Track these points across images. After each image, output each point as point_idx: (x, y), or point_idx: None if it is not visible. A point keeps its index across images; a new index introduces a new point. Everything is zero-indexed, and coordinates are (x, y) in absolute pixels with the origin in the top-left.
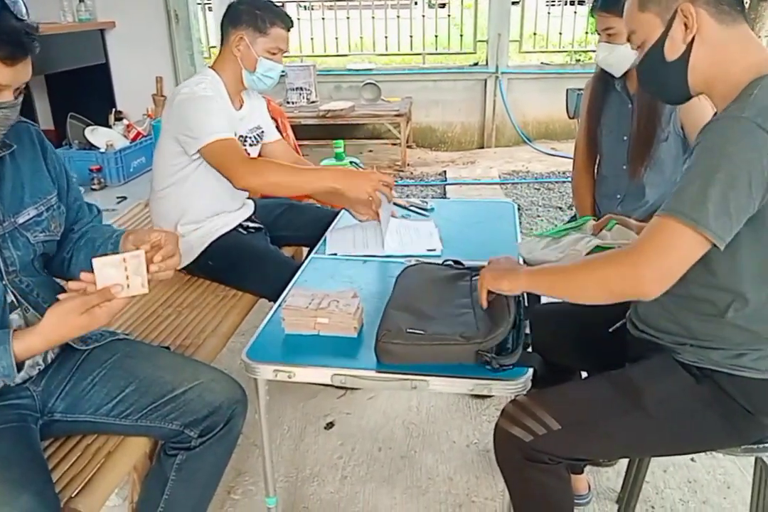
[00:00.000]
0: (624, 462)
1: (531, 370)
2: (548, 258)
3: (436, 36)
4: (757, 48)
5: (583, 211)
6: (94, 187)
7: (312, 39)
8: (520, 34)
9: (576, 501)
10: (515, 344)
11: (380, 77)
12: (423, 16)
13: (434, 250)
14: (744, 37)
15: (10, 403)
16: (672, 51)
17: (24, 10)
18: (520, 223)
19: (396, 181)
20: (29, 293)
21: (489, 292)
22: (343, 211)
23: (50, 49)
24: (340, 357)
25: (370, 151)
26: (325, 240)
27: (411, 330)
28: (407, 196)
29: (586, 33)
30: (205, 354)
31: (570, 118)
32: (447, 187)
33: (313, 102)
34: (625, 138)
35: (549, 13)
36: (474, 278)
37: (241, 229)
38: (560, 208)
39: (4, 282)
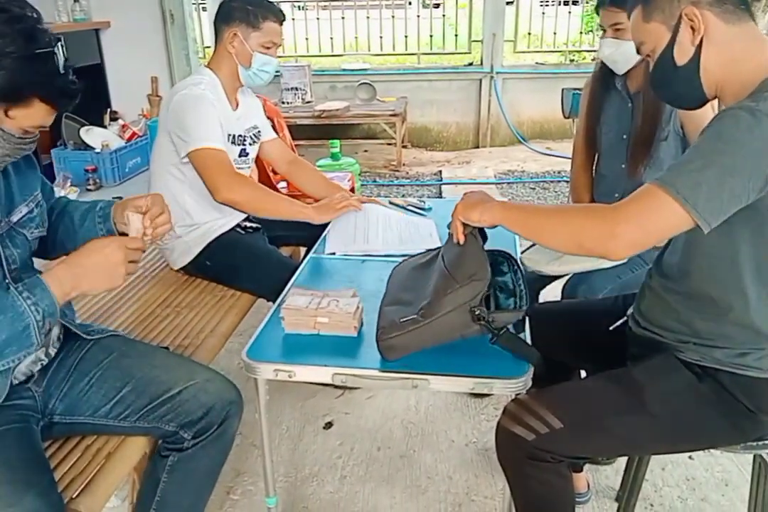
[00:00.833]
0: (622, 461)
1: (532, 369)
2: (554, 271)
3: (431, 36)
4: (765, 45)
5: None
6: (89, 187)
7: (307, 39)
8: (514, 34)
9: (576, 499)
10: (517, 307)
11: (375, 77)
12: (418, 16)
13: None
14: (751, 34)
15: (13, 404)
16: (682, 55)
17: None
18: None
19: (391, 181)
20: None
21: (464, 226)
22: None
23: None
24: (340, 356)
25: (366, 151)
26: (324, 239)
27: (403, 320)
28: (403, 196)
29: (581, 33)
30: (204, 355)
31: (565, 117)
32: (443, 187)
33: (308, 102)
34: (625, 136)
35: (543, 13)
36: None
37: (239, 229)
38: None
39: (7, 281)
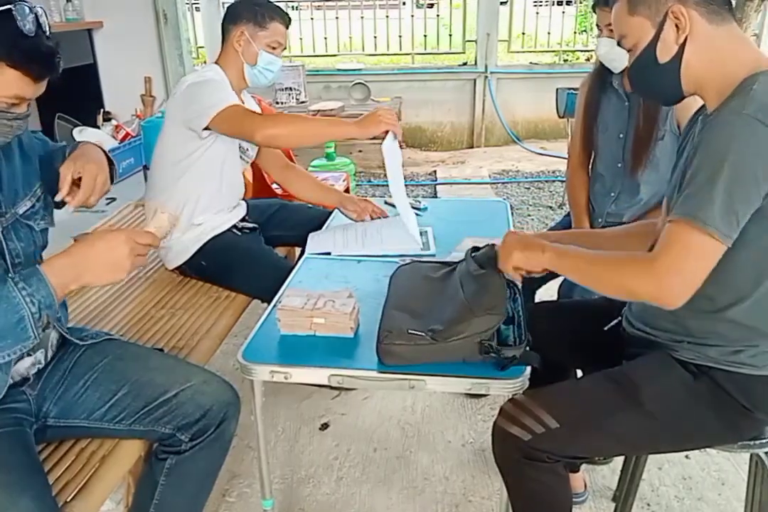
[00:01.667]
0: (619, 460)
1: (528, 369)
2: None
3: (425, 36)
4: (748, 46)
5: (577, 209)
6: None
7: (301, 39)
8: (508, 34)
9: (573, 499)
10: (518, 340)
11: (369, 77)
12: (412, 16)
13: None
14: (734, 35)
15: (7, 407)
16: (664, 53)
17: (49, 30)
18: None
19: (386, 181)
20: None
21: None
22: (335, 210)
23: None
24: (336, 357)
25: (360, 151)
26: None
27: (412, 332)
28: None
29: (574, 33)
30: (199, 356)
31: (560, 117)
32: (437, 187)
33: (302, 102)
34: (621, 135)
35: (537, 13)
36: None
37: (235, 230)
38: (551, 207)
39: (11, 276)
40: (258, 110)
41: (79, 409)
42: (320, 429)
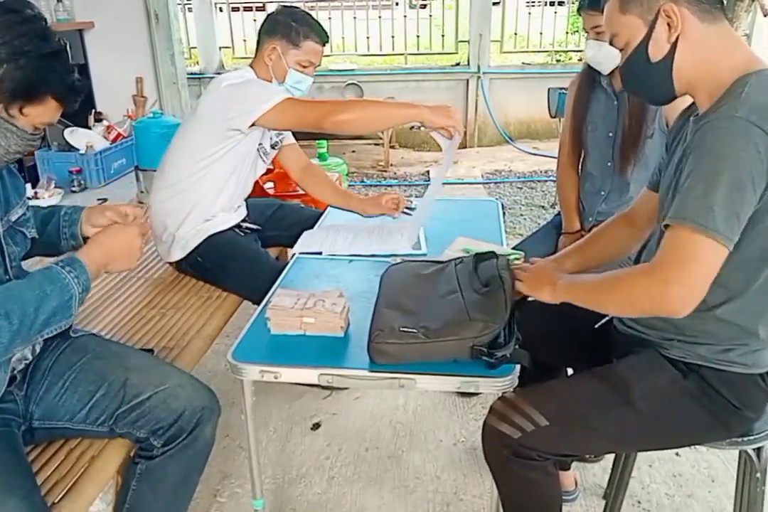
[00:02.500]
0: (610, 458)
1: (518, 367)
2: None
3: (417, 36)
4: (739, 45)
5: (567, 208)
6: (74, 189)
7: None
8: (501, 35)
9: (563, 497)
10: (507, 338)
11: (362, 77)
12: (404, 16)
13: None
14: (726, 34)
15: None
16: (656, 52)
17: None
18: (504, 221)
19: (379, 181)
20: None
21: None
22: (328, 210)
23: None
24: (326, 356)
25: (353, 151)
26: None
27: (404, 329)
28: None
29: (567, 33)
30: (190, 357)
31: (552, 117)
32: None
33: None
34: (611, 134)
35: (529, 13)
36: (458, 265)
37: (238, 230)
38: (543, 206)
39: (8, 277)
40: None
41: (61, 411)
42: (312, 428)
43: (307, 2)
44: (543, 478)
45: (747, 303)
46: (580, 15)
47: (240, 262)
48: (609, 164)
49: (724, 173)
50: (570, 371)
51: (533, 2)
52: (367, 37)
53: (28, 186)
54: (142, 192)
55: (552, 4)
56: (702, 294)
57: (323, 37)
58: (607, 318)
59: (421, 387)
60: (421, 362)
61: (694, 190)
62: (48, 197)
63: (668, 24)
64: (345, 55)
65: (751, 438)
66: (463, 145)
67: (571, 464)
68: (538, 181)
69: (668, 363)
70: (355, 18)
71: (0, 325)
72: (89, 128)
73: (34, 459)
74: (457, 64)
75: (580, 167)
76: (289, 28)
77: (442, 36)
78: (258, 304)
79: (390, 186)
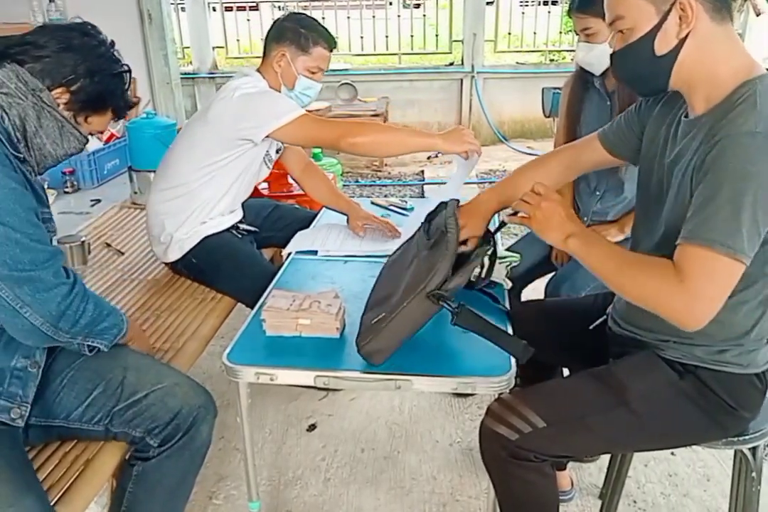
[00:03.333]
0: (606, 458)
1: (514, 368)
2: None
3: (411, 36)
4: (741, 49)
5: None
6: (67, 190)
7: None
8: (495, 34)
9: (560, 497)
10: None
11: (356, 77)
12: (398, 16)
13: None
14: (731, 36)
15: None
16: (663, 45)
17: None
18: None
19: (374, 181)
20: None
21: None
22: (322, 211)
23: None
24: (322, 358)
25: None
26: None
27: (375, 321)
28: (385, 196)
29: (560, 33)
30: (185, 358)
31: (546, 116)
32: (425, 187)
33: None
34: None
35: (523, 13)
36: (418, 231)
37: (235, 232)
38: None
39: None
40: None
41: (58, 409)
42: (307, 430)
43: (300, 2)
44: (540, 479)
45: (743, 305)
46: (570, 17)
47: (233, 264)
48: None
49: (750, 193)
50: (566, 371)
51: (527, 2)
52: (361, 37)
53: None
54: (135, 193)
55: (546, 3)
56: (717, 311)
57: (331, 43)
58: (602, 319)
59: (417, 388)
60: (416, 360)
61: (720, 211)
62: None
63: (680, 17)
64: (339, 55)
65: (747, 437)
66: None
67: (567, 464)
68: None
69: (665, 364)
70: (348, 17)
71: (86, 308)
72: None
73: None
74: (451, 64)
75: None
76: (298, 34)
77: (436, 35)
78: (250, 307)
79: (384, 186)
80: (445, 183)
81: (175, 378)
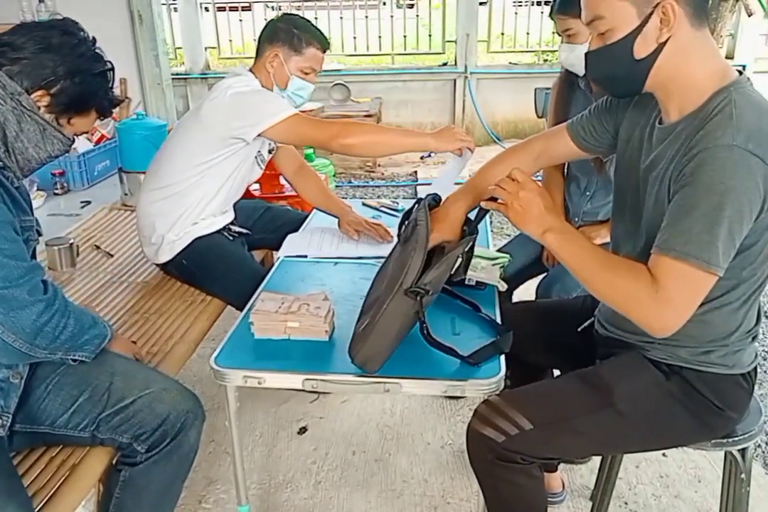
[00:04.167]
0: (597, 460)
1: (504, 370)
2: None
3: (404, 36)
4: (716, 54)
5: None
6: (56, 191)
7: None
8: (488, 34)
9: (550, 499)
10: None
11: (349, 78)
12: (391, 16)
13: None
14: (708, 42)
15: None
16: (642, 49)
17: None
18: (491, 222)
19: (366, 182)
20: None
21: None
22: (314, 212)
23: None
24: (311, 361)
25: None
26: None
27: (362, 328)
28: (378, 197)
29: (553, 33)
30: (173, 362)
31: (539, 117)
32: (418, 188)
33: None
34: None
35: (516, 13)
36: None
37: (226, 234)
38: None
39: None
40: None
41: (42, 415)
42: (298, 433)
43: (293, 2)
44: (528, 481)
45: (728, 307)
46: (552, 19)
47: (223, 267)
48: (592, 164)
49: (726, 208)
50: (557, 373)
51: (520, 2)
52: (354, 37)
53: None
54: (126, 194)
55: (539, 3)
56: (686, 320)
57: (324, 44)
58: (590, 321)
59: (406, 391)
60: (406, 363)
61: (696, 224)
62: (31, 200)
63: (661, 21)
64: (332, 55)
65: (736, 439)
66: None
67: (558, 466)
68: None
69: (651, 365)
70: (341, 18)
71: (66, 323)
72: None
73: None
74: (445, 64)
75: (565, 169)
76: (291, 35)
77: (429, 36)
78: (239, 309)
79: (377, 186)
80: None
81: (163, 384)
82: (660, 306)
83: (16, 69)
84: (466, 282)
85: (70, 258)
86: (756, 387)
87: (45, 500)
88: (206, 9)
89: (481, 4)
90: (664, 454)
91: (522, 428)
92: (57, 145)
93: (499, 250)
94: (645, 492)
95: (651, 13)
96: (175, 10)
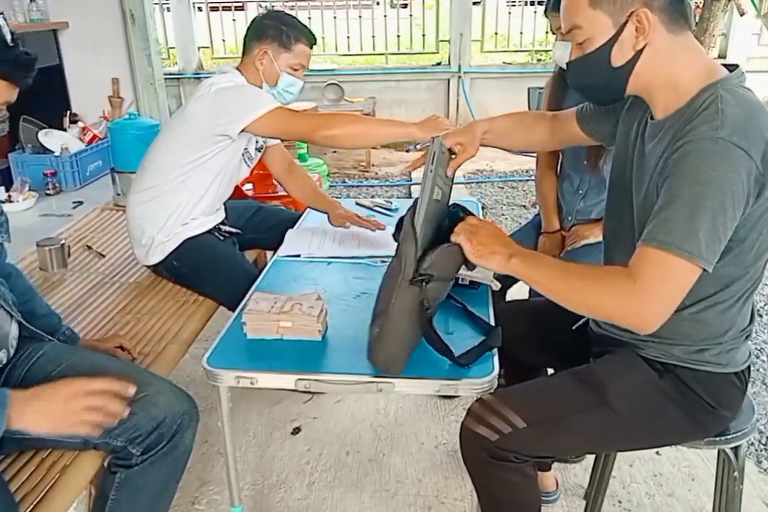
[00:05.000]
0: (591, 458)
1: (497, 369)
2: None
3: (398, 36)
4: (700, 55)
5: (547, 208)
6: (48, 191)
7: None
8: (481, 34)
9: (544, 498)
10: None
11: (343, 77)
12: (385, 16)
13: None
14: (689, 44)
15: None
16: (619, 57)
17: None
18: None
19: (360, 182)
20: None
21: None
22: (307, 211)
23: None
24: (304, 361)
25: (334, 151)
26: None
27: (376, 331)
28: (372, 197)
29: (547, 32)
30: (165, 362)
31: None
32: (412, 187)
33: None
34: None
35: (510, 13)
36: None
37: (217, 234)
38: (524, 206)
39: None
40: None
41: None
42: (292, 433)
43: (287, 2)
44: (521, 480)
45: (722, 305)
46: (547, 17)
47: (214, 267)
48: (585, 163)
49: (709, 198)
50: (551, 371)
51: (514, 2)
52: (348, 37)
53: (1, 189)
54: (118, 194)
55: (532, 3)
56: (671, 312)
57: (311, 40)
58: (584, 319)
59: (399, 390)
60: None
61: (676, 214)
62: (22, 200)
63: (636, 29)
64: (325, 55)
65: (729, 437)
66: None
67: (552, 465)
68: (519, 181)
69: (644, 363)
70: (335, 17)
71: None
72: (64, 130)
73: (4, 469)
74: (438, 64)
75: (559, 168)
76: (280, 31)
77: (423, 35)
78: (232, 310)
79: (371, 186)
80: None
81: (157, 386)
82: (639, 298)
83: None
84: (460, 281)
85: (62, 259)
86: (749, 385)
87: (35, 502)
88: (199, 9)
89: (474, 3)
90: (657, 453)
91: (515, 426)
92: None
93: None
94: (639, 490)
95: (626, 22)
96: (168, 9)
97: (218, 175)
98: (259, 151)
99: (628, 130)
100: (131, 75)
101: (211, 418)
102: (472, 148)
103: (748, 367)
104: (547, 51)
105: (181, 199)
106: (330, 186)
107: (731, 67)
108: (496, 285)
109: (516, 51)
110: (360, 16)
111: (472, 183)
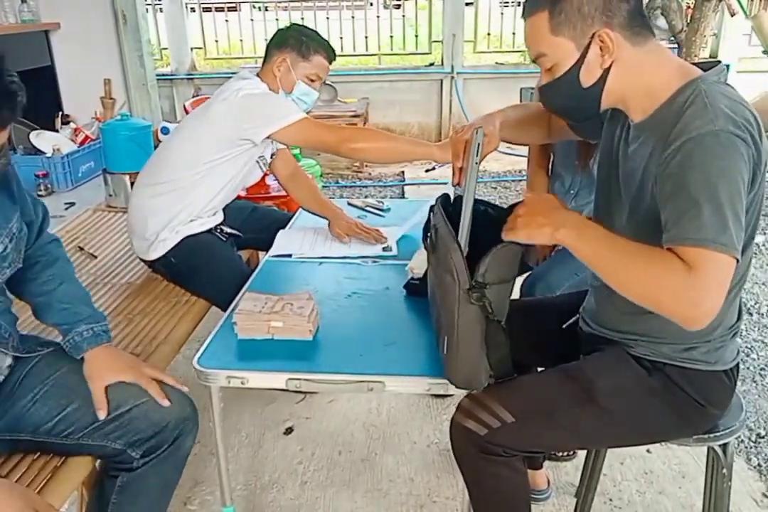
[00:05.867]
0: (582, 457)
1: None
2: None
3: (391, 36)
4: (669, 59)
5: None
6: (40, 192)
7: (266, 40)
8: (474, 35)
9: (536, 496)
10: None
11: (336, 78)
12: (378, 16)
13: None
14: (655, 52)
15: None
16: (588, 77)
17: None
18: None
19: (354, 182)
20: None
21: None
22: (299, 212)
23: None
24: (294, 361)
25: None
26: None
27: (447, 350)
28: (365, 197)
29: None
30: (157, 362)
31: None
32: (405, 188)
33: None
34: None
35: (502, 13)
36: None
37: (217, 233)
38: None
39: None
40: None
41: (25, 423)
42: (284, 433)
43: (280, 2)
44: (510, 474)
45: None
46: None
47: (210, 266)
48: (576, 163)
49: (723, 188)
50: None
51: (506, 2)
52: (341, 38)
53: None
54: (111, 195)
55: None
56: (719, 309)
57: (331, 54)
58: (574, 318)
59: (390, 389)
60: (389, 361)
61: (704, 210)
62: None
63: (600, 48)
64: None
65: (717, 434)
66: None
67: (544, 463)
68: (512, 181)
69: (633, 361)
70: (328, 18)
71: None
72: (56, 131)
73: None
74: (431, 65)
75: (550, 167)
76: (300, 42)
77: (416, 36)
78: (224, 310)
79: (365, 187)
80: (427, 183)
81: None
82: (696, 295)
83: None
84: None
85: None
86: (739, 383)
87: None
88: (192, 9)
89: (467, 4)
90: (648, 450)
91: (504, 421)
92: None
93: None
94: (629, 488)
95: (589, 44)
96: (161, 10)
97: (234, 176)
98: (272, 157)
99: (614, 128)
100: (123, 76)
101: (204, 419)
102: (496, 139)
103: (737, 365)
104: None
105: (194, 196)
106: (323, 186)
107: (712, 63)
108: None
109: (508, 51)
110: (353, 17)
111: None
